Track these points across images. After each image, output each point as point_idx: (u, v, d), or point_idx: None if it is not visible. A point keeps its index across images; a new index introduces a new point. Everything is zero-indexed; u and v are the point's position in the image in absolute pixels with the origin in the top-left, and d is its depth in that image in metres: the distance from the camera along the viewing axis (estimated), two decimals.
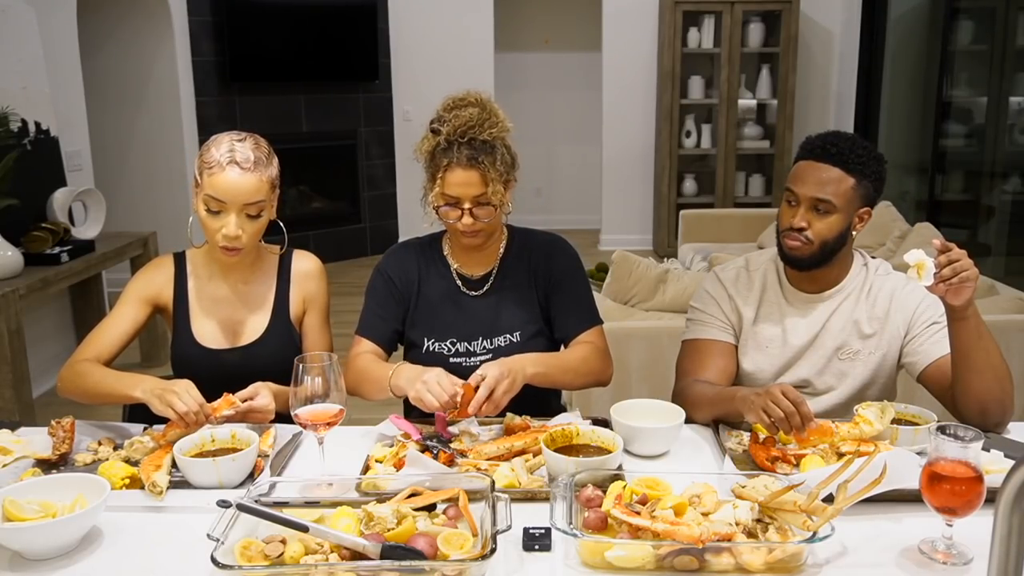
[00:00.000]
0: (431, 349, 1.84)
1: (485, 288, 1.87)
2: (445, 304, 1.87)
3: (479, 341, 1.84)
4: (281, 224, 1.87)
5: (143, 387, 1.60)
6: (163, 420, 1.59)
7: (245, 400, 1.64)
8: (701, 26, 6.39)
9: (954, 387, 1.63)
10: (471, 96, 1.74)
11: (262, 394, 1.66)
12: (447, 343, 1.84)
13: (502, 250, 1.89)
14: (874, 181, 1.73)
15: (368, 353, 1.83)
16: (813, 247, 1.72)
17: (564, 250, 1.91)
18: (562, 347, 1.89)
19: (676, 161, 6.55)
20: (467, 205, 1.72)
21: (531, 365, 1.67)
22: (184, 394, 1.55)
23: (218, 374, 1.69)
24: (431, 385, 1.58)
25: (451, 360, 1.82)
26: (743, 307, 1.85)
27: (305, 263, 1.93)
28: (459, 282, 1.88)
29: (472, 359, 1.83)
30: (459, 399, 1.57)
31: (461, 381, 1.59)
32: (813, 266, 1.76)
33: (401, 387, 1.66)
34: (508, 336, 1.84)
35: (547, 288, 1.87)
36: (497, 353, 1.81)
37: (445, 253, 1.90)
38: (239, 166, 1.69)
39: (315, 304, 1.92)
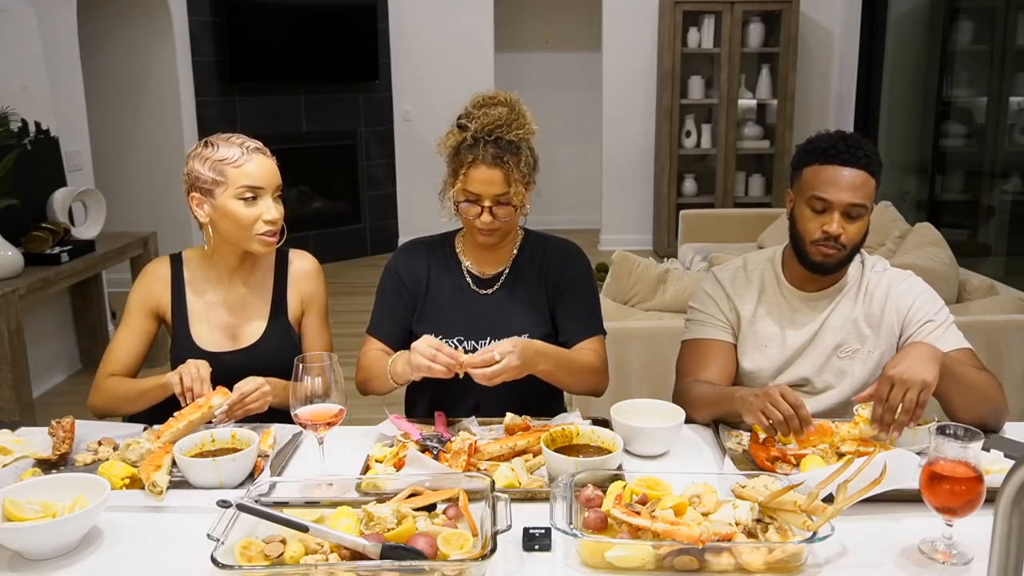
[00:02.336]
0: None
1: (496, 287, 1.87)
2: (454, 302, 1.86)
3: (487, 340, 1.82)
4: None
5: (170, 372, 1.69)
6: (162, 420, 1.60)
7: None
8: (701, 26, 6.39)
9: (944, 409, 1.64)
10: (501, 95, 1.75)
11: (248, 379, 1.66)
12: (454, 340, 1.83)
13: (515, 251, 1.89)
14: (879, 179, 1.74)
15: (376, 351, 1.85)
16: (844, 252, 1.71)
17: (577, 256, 1.91)
18: None
19: (676, 161, 6.55)
20: (487, 203, 1.73)
21: (544, 361, 1.68)
22: (192, 367, 1.64)
23: (219, 377, 1.69)
24: (422, 352, 1.59)
25: None
26: (741, 306, 1.85)
27: (302, 263, 1.93)
28: (469, 280, 1.88)
29: None
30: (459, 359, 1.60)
31: (439, 345, 1.62)
32: (837, 270, 1.76)
33: (400, 374, 1.71)
34: (517, 338, 1.82)
35: (556, 292, 1.86)
36: None
37: (458, 251, 1.91)
38: (262, 152, 1.77)
39: (313, 304, 1.92)
